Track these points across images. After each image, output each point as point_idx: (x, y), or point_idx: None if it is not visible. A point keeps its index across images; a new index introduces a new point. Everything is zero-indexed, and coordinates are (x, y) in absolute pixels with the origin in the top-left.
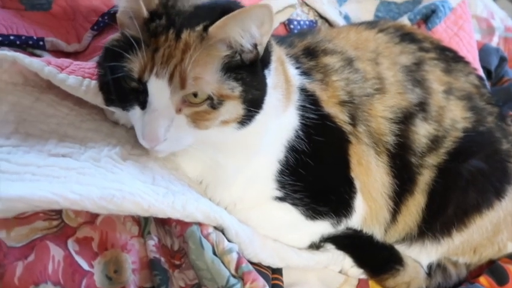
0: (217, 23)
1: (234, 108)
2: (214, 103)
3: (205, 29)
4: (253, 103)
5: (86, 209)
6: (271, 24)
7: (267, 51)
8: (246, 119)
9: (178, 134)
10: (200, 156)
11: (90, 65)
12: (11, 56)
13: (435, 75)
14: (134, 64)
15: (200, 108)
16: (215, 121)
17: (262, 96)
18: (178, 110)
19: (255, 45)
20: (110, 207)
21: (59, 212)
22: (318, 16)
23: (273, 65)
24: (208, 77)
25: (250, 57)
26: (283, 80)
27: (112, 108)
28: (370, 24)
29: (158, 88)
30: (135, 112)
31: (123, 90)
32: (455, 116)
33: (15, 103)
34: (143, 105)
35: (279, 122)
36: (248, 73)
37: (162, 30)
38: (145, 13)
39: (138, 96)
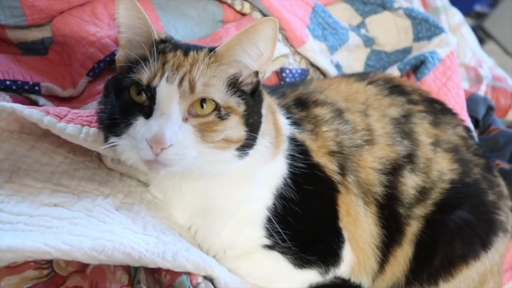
0: (225, 42)
1: (237, 125)
2: (222, 114)
3: (212, 50)
4: (253, 128)
5: (77, 259)
6: (276, 37)
7: (259, 96)
8: (244, 147)
9: (184, 143)
10: (190, 201)
11: (87, 113)
12: (9, 107)
13: (423, 128)
14: (143, 73)
15: (207, 118)
16: (220, 134)
17: (259, 126)
18: (185, 120)
19: (257, 74)
20: (100, 257)
21: (49, 261)
22: (309, 64)
23: (263, 111)
24: (216, 88)
25: (251, 87)
26: (272, 129)
27: (112, 144)
28: (360, 76)
29: (168, 92)
30: (138, 124)
31: (126, 105)
32: (442, 168)
33: (11, 151)
34: (148, 114)
35: (268, 169)
36: (250, 98)
37: (170, 49)
38: (155, 34)
39: (143, 108)
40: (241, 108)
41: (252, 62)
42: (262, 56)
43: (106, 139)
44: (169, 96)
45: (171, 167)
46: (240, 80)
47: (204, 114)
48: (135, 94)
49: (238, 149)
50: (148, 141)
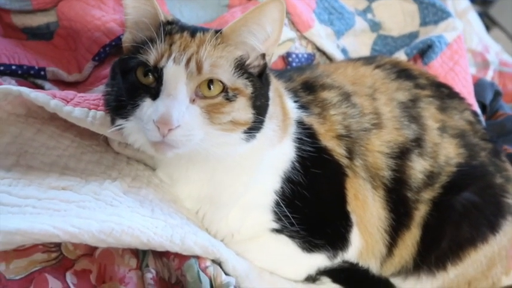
0: (232, 23)
1: (244, 107)
2: (229, 95)
3: (218, 31)
4: (260, 111)
5: (85, 242)
6: (282, 18)
7: (266, 79)
8: (251, 129)
9: (191, 124)
10: (197, 184)
11: (94, 97)
12: (16, 90)
13: (430, 113)
14: (150, 54)
15: (215, 100)
16: (228, 116)
17: (266, 108)
18: (192, 101)
19: (264, 56)
20: (109, 240)
21: (57, 245)
22: (316, 49)
23: (271, 94)
24: (223, 69)
25: (259, 70)
26: (279, 112)
27: (119, 127)
28: (367, 60)
29: (175, 73)
30: (145, 105)
31: (133, 86)
32: (449, 153)
33: (17, 135)
34: (155, 95)
35: (275, 153)
36: (257, 80)
37: (177, 31)
38: (162, 16)
39: (150, 89)
40: (249, 90)
41: (258, 43)
42: (269, 38)
43: (113, 122)
44: (176, 76)
45: (178, 149)
46: (247, 62)
47: (211, 95)
48: (141, 75)
49: (245, 132)
50: (156, 122)
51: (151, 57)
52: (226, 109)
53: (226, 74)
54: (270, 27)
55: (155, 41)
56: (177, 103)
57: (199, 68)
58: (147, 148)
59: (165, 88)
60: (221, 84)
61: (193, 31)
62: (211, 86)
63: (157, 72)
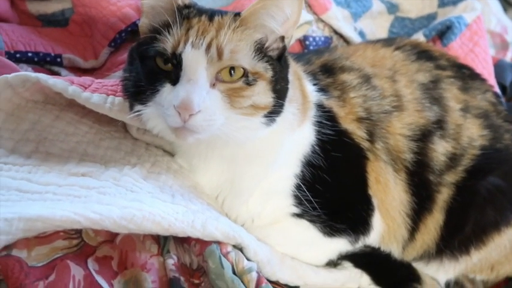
0: (251, 6)
1: (264, 91)
2: (249, 79)
3: (237, 14)
4: (280, 95)
5: (107, 229)
6: (301, 6)
7: (285, 62)
8: (272, 113)
9: (212, 109)
10: (217, 169)
11: (112, 83)
12: (34, 76)
13: (452, 94)
14: (167, 41)
15: (235, 85)
16: (248, 100)
17: (286, 92)
18: (213, 85)
19: (283, 39)
20: (130, 226)
21: (78, 231)
22: (333, 32)
23: (290, 77)
24: (243, 53)
25: (278, 53)
26: (299, 95)
27: (138, 113)
28: (386, 42)
29: (194, 58)
30: (165, 90)
31: (152, 72)
32: (472, 134)
33: (36, 121)
34: (175, 81)
35: (295, 137)
36: (277, 63)
37: (195, 15)
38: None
39: (169, 75)
40: (269, 74)
41: (277, 26)
42: (288, 20)
43: (131, 108)
44: (196, 61)
45: (199, 134)
46: (266, 45)
47: (231, 80)
48: (161, 63)
49: (265, 116)
50: (176, 108)
51: (168, 44)
52: (247, 93)
53: (247, 58)
54: (289, 9)
55: (172, 26)
56: (197, 88)
57: (219, 54)
58: (167, 134)
59: (185, 73)
60: (242, 70)
61: (211, 14)
62: (233, 72)
63: (176, 59)
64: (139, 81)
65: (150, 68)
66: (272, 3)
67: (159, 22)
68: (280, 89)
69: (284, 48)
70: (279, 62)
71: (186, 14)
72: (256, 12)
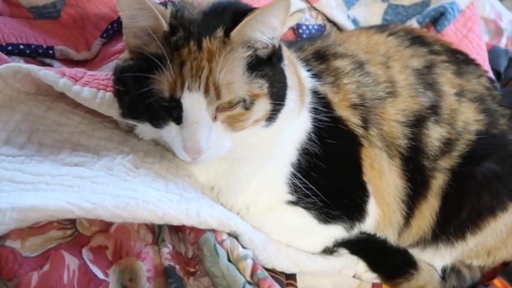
0: (239, 27)
1: (263, 105)
2: (247, 104)
3: (226, 34)
4: (277, 97)
5: (101, 218)
6: (288, 13)
7: (278, 47)
8: (272, 115)
9: (219, 141)
10: (215, 161)
11: (103, 76)
12: (25, 68)
13: (446, 78)
14: (162, 84)
15: (234, 111)
16: (249, 121)
17: (284, 89)
18: (214, 118)
19: (272, 39)
20: (124, 215)
21: (72, 221)
22: (326, 20)
23: (285, 62)
24: (239, 81)
25: (268, 52)
26: (296, 81)
27: (129, 121)
28: (380, 28)
29: (194, 101)
30: (171, 129)
31: (154, 110)
32: (468, 119)
33: (28, 112)
34: (178, 120)
35: (293, 125)
36: (269, 68)
37: (183, 43)
38: (165, 26)
39: (171, 112)
40: (265, 89)
41: (267, 38)
42: (277, 29)
43: (123, 115)
44: (197, 105)
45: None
46: (257, 53)
47: (230, 106)
48: (162, 101)
49: (266, 120)
50: (185, 151)
51: (164, 88)
52: (247, 116)
53: (243, 87)
54: (276, 20)
55: (164, 61)
56: (201, 130)
57: (218, 94)
58: (172, 150)
59: (187, 116)
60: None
61: (198, 38)
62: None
63: (175, 102)
64: (136, 105)
65: (149, 104)
66: (258, 20)
67: (148, 54)
68: (277, 91)
69: (273, 47)
70: (270, 61)
71: (175, 44)
72: (245, 31)
